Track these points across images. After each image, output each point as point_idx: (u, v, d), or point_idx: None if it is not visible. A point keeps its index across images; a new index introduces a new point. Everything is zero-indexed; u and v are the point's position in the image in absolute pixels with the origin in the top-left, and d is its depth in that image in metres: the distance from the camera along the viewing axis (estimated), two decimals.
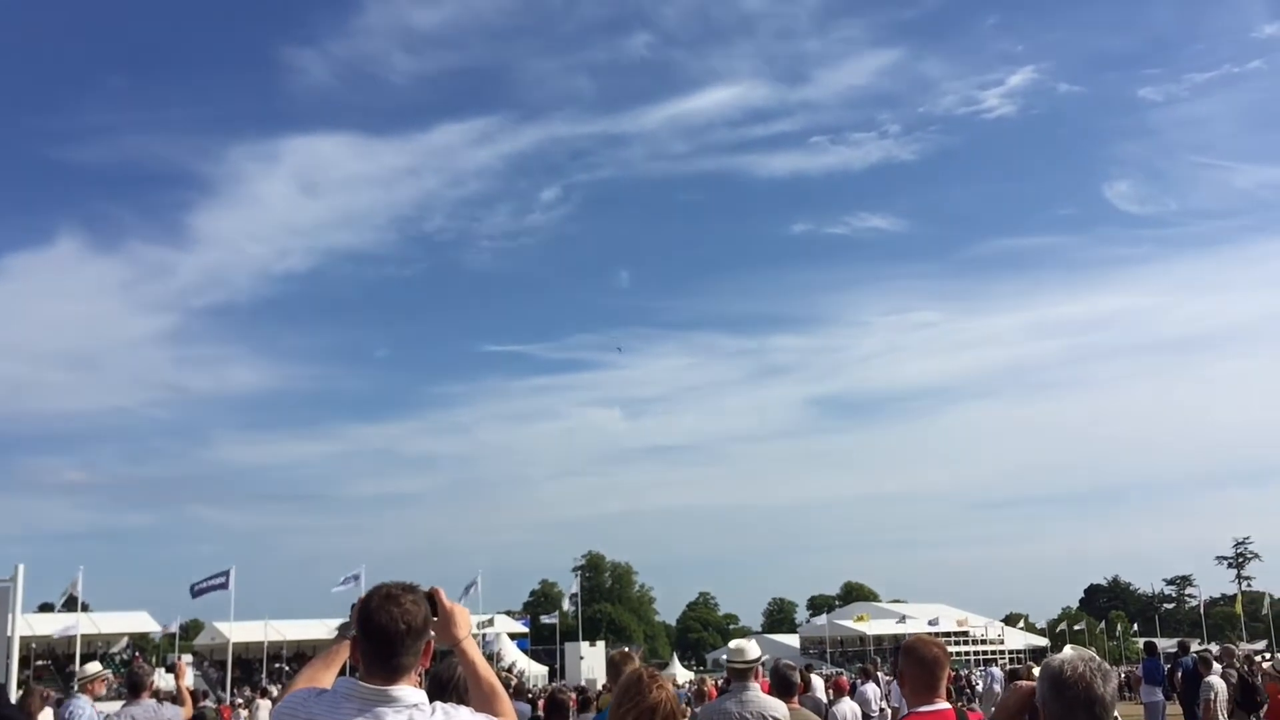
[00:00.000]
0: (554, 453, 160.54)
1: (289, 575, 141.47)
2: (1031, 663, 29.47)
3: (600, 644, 68.12)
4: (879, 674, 24.13)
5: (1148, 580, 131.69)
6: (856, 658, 73.40)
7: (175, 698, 11.94)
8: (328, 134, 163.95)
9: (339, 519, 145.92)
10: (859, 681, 21.79)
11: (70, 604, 48.20)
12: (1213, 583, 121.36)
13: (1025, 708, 3.45)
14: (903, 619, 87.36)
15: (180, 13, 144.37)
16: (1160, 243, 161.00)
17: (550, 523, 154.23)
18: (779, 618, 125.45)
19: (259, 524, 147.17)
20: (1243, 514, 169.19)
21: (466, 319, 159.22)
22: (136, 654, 60.57)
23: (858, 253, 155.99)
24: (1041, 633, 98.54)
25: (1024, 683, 3.47)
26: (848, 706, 13.12)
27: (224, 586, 43.60)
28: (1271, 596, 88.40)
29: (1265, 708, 16.05)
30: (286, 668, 61.60)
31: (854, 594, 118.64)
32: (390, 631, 2.99)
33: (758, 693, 6.89)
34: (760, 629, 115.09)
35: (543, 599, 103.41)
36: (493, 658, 56.70)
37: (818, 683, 17.92)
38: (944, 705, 4.43)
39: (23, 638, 17.06)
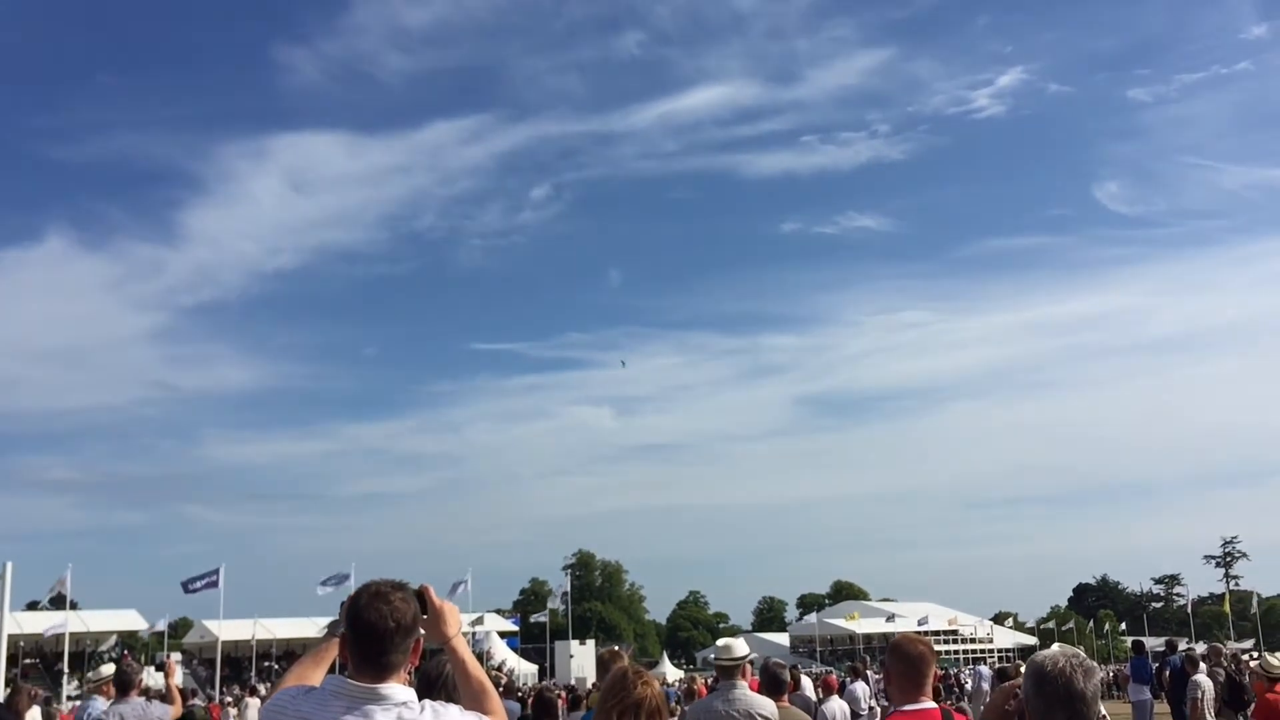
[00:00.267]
0: (545, 451, 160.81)
1: (278, 574, 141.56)
2: (1020, 662, 29.59)
3: (590, 642, 68.09)
4: (868, 672, 24.18)
5: (1136, 579, 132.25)
6: (846, 656, 73.52)
7: (164, 696, 11.91)
8: (318, 132, 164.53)
9: (329, 517, 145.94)
10: (848, 680, 21.81)
11: (57, 602, 48.01)
12: (1201, 582, 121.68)
13: (1015, 706, 3.49)
14: (892, 618, 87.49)
15: (171, 10, 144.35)
16: (1149, 243, 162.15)
17: (540, 521, 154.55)
18: (769, 616, 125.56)
19: (248, 522, 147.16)
20: (1231, 513, 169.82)
21: (457, 317, 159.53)
22: (125, 652, 60.38)
23: (848, 252, 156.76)
24: (1030, 632, 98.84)
25: (1012, 682, 3.51)
26: (836, 705, 13.11)
27: (214, 585, 43.57)
28: (1259, 596, 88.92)
29: (1252, 706, 16.13)
30: (276, 666, 61.47)
31: (844, 593, 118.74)
32: (379, 629, 2.99)
33: (745, 690, 6.90)
34: (750, 628, 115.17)
35: (533, 597, 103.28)
36: (483, 656, 56.66)
37: (806, 682, 17.95)
38: (929, 705, 4.41)
39: (11, 636, 17.01)
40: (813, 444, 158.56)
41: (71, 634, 49.45)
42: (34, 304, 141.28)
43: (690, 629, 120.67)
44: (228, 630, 55.01)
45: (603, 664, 7.41)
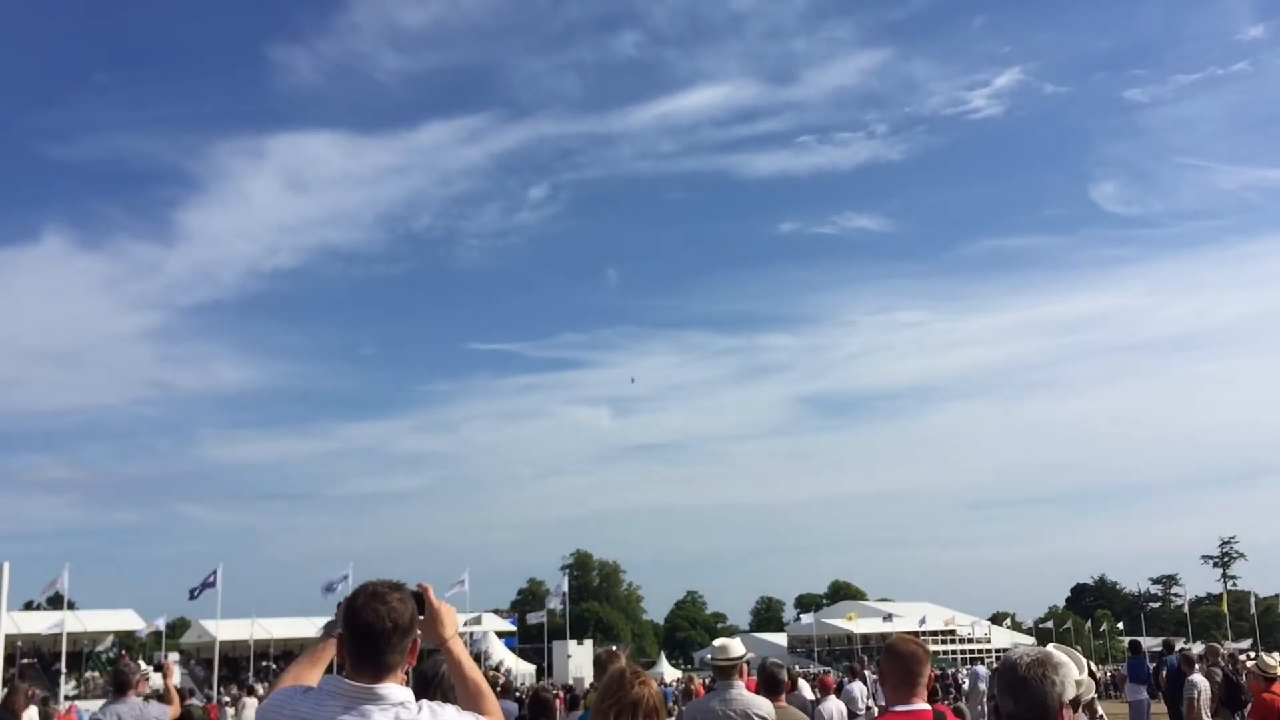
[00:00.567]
0: (542, 451, 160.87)
1: (276, 573, 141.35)
2: None
3: (588, 643, 68.06)
4: (866, 672, 24.20)
5: (1134, 579, 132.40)
6: (844, 656, 73.50)
7: (162, 696, 11.92)
8: (316, 132, 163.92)
9: (326, 517, 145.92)
10: (846, 680, 21.84)
11: (54, 601, 47.95)
12: (1198, 582, 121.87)
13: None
14: (890, 618, 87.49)
15: (167, 10, 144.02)
16: (1146, 243, 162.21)
17: (538, 521, 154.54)
18: (767, 616, 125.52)
19: (246, 522, 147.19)
20: (1228, 513, 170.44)
21: (454, 318, 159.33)
22: (123, 652, 60.33)
23: (845, 252, 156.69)
24: (1028, 632, 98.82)
25: None
26: (833, 705, 13.15)
27: (211, 585, 43.63)
28: (1257, 596, 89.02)
29: (1249, 706, 16.15)
30: (273, 666, 61.38)
31: (841, 593, 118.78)
32: (377, 629, 3.00)
33: (742, 690, 6.91)
34: (748, 628, 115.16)
35: (530, 597, 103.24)
36: (480, 656, 56.63)
37: (803, 682, 17.98)
38: (922, 705, 4.42)
39: (8, 635, 17.02)
40: (810, 444, 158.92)
41: (69, 634, 49.43)
42: (31, 303, 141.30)
43: (688, 629, 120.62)
44: (225, 630, 54.93)
45: (600, 664, 7.43)
